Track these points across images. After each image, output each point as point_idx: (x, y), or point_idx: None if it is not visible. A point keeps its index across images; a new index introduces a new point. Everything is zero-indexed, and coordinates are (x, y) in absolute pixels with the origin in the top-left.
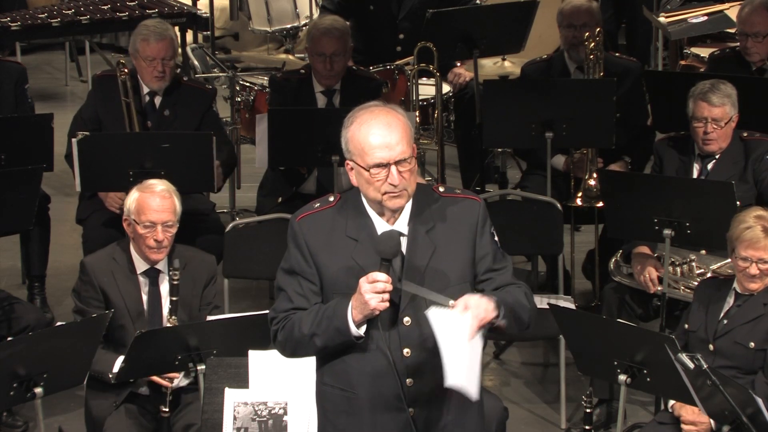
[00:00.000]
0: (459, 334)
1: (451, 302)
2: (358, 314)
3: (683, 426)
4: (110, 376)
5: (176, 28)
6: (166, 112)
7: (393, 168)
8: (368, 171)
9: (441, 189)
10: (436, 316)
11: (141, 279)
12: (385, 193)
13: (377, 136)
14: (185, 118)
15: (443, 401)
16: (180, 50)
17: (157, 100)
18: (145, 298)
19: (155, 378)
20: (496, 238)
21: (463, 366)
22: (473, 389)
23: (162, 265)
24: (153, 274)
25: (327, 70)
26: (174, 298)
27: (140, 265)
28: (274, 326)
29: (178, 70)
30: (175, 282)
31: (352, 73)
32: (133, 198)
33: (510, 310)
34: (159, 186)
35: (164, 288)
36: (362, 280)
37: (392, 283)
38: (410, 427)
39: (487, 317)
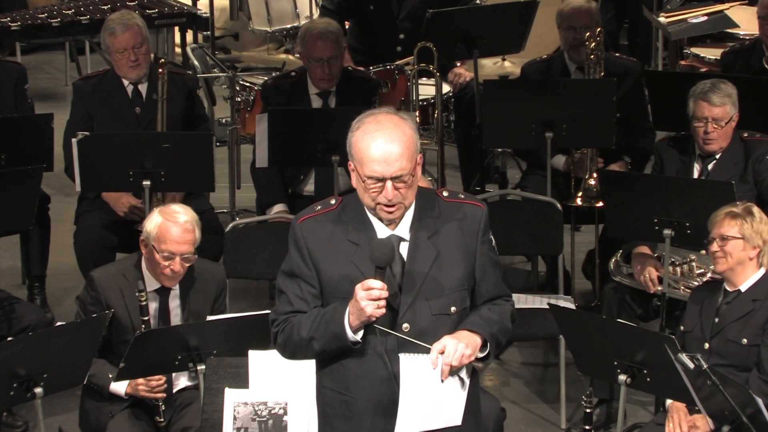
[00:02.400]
0: (430, 380)
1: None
2: (355, 320)
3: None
4: (110, 381)
5: (176, 28)
6: (154, 96)
7: (389, 183)
8: (364, 181)
9: (445, 194)
10: (407, 362)
11: (150, 296)
12: (378, 203)
13: (378, 149)
14: (173, 99)
15: None
16: (179, 49)
17: (143, 88)
18: (153, 315)
19: (145, 395)
20: (493, 244)
21: (421, 414)
22: (449, 422)
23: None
24: (163, 293)
25: (325, 74)
26: (145, 318)
27: (151, 284)
28: (274, 328)
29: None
30: (143, 303)
31: (347, 74)
32: (155, 223)
33: (495, 341)
34: (183, 216)
35: (174, 305)
36: (357, 287)
37: (388, 289)
38: None
39: (463, 361)
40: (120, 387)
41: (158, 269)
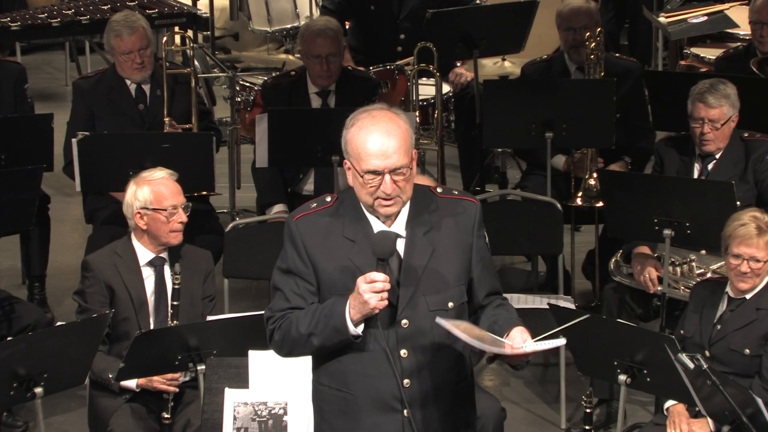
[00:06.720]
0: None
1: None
2: (356, 313)
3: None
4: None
5: (176, 28)
6: (158, 92)
7: (387, 176)
8: (362, 177)
9: (439, 190)
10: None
11: (145, 270)
12: (377, 198)
13: (374, 143)
14: (177, 96)
15: (439, 403)
16: (179, 48)
17: (146, 87)
18: (149, 287)
19: (160, 386)
20: (486, 241)
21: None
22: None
23: (165, 254)
24: (157, 263)
25: (324, 71)
26: (175, 303)
27: (143, 256)
28: (270, 326)
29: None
30: (177, 286)
31: (347, 74)
32: (146, 191)
33: None
34: (161, 173)
35: (168, 277)
36: (360, 280)
37: (390, 281)
38: (406, 428)
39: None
40: (130, 381)
41: (165, 229)
